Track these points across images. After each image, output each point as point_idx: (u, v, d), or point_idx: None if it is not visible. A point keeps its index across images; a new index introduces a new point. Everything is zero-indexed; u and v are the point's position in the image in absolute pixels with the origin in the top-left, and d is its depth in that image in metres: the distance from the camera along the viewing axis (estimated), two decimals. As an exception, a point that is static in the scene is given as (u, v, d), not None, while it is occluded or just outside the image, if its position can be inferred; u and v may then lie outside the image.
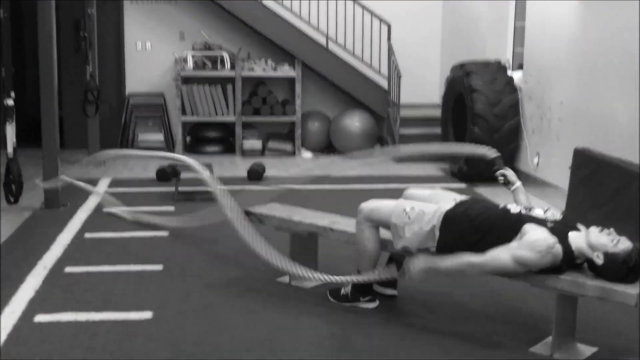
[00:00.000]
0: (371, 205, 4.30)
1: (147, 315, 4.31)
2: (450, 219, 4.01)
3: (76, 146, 9.95)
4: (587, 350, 3.92)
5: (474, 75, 8.16)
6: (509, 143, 8.12)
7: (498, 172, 4.42)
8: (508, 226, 3.85)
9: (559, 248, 3.68)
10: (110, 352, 3.82)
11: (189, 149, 9.94)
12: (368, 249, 4.30)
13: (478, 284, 4.69)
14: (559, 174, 7.16)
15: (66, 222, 6.27)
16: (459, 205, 4.10)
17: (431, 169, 9.14)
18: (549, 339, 3.93)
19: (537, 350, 3.92)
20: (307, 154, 10.25)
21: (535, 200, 7.31)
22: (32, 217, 6.47)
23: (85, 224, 6.27)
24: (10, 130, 6.00)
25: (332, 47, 10.20)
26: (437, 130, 9.22)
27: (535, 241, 3.67)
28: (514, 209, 3.98)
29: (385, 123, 10.22)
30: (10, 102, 6.05)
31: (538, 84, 7.79)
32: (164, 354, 3.84)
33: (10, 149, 6.10)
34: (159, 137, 10.07)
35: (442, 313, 4.45)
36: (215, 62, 10.01)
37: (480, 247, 3.86)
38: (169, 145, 10.05)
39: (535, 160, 7.83)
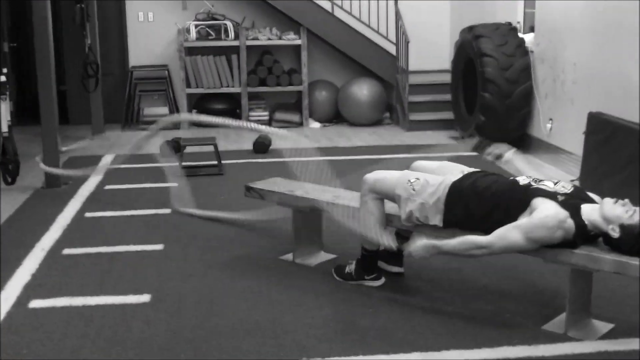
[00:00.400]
0: (375, 177, 4.12)
1: (145, 298, 4.16)
2: (456, 191, 3.82)
3: (81, 122, 9.81)
4: (603, 327, 3.75)
5: (483, 39, 7.90)
6: (521, 108, 7.88)
7: (486, 153, 4.20)
8: (516, 199, 3.65)
9: (570, 223, 3.49)
10: (104, 339, 3.68)
11: (195, 122, 9.75)
12: (372, 223, 4.13)
13: (488, 259, 4.51)
14: (573, 139, 6.92)
15: (67, 202, 6.13)
16: (466, 177, 3.91)
17: (441, 137, 8.93)
18: (563, 315, 3.75)
19: (550, 327, 3.75)
20: (315, 125, 10.05)
21: (548, 166, 7.14)
22: (32, 196, 6.34)
23: (86, 203, 6.13)
24: (5, 108, 5.83)
25: (337, 12, 9.94)
26: (447, 96, 8.99)
27: (545, 217, 3.48)
28: (522, 180, 3.78)
29: (395, 90, 9.98)
30: (2, 78, 5.87)
31: (550, 45, 7.52)
32: (161, 339, 3.70)
33: (5, 127, 5.93)
34: (164, 110, 9.89)
35: (451, 290, 4.28)
36: (219, 31, 9.78)
37: (488, 221, 3.68)
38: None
39: (548, 125, 7.59)
